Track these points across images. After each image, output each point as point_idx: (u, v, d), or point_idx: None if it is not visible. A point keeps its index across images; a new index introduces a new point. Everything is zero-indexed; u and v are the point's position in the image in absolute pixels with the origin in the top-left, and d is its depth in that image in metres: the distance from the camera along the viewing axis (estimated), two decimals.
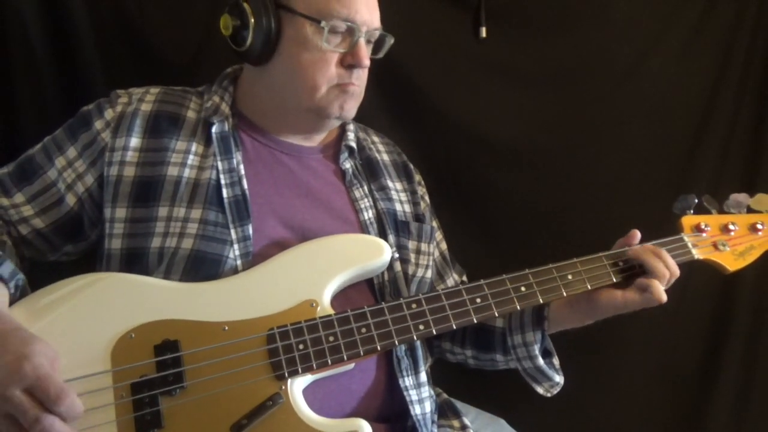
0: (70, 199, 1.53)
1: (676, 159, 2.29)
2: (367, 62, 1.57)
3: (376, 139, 1.85)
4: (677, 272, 1.56)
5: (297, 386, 1.34)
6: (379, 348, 1.39)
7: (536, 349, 1.63)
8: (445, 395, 1.76)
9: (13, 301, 1.34)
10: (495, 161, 2.26)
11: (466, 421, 1.67)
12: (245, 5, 1.54)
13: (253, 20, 1.53)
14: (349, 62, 1.55)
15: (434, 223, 1.85)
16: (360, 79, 1.59)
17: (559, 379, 1.66)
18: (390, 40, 1.66)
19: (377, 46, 1.65)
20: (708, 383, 2.29)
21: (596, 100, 2.27)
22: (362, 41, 1.56)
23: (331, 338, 1.37)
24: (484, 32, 2.21)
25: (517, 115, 2.26)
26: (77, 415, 1.18)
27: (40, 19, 1.93)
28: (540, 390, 1.67)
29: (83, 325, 1.32)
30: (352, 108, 1.61)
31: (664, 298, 1.53)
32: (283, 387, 1.32)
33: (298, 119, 1.63)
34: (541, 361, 1.63)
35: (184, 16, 2.05)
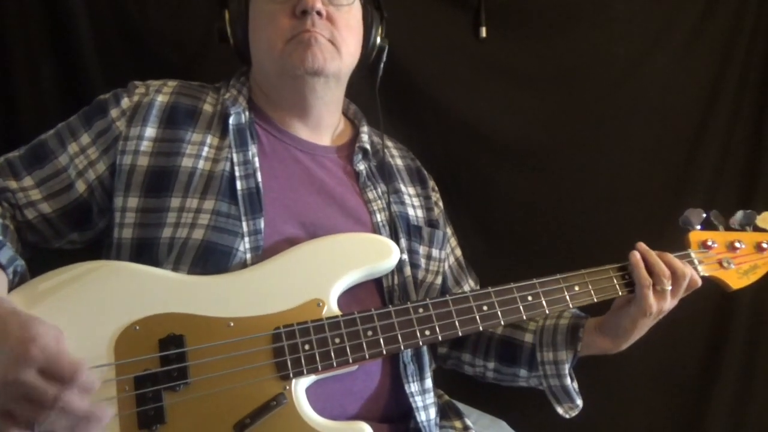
0: (80, 186, 1.52)
1: (676, 158, 2.29)
2: (313, 4, 1.50)
3: (389, 143, 1.84)
4: (664, 273, 1.55)
5: (301, 387, 1.34)
6: (384, 352, 1.39)
7: (566, 368, 1.63)
8: (446, 396, 1.75)
9: (12, 288, 1.32)
10: (495, 161, 2.26)
11: (468, 422, 1.67)
12: (224, 8, 1.62)
13: (228, 19, 1.61)
14: (299, 9, 1.52)
15: (448, 230, 1.85)
16: (320, 26, 1.53)
17: (580, 402, 1.66)
18: None
19: None
20: (708, 383, 2.29)
21: (596, 100, 2.27)
22: None
23: (337, 340, 1.36)
24: (484, 32, 2.21)
25: (517, 115, 2.26)
26: (94, 387, 1.17)
27: (40, 18, 1.94)
28: (560, 410, 1.67)
29: (86, 314, 1.31)
30: (316, 58, 1.53)
31: (650, 305, 1.54)
32: (287, 387, 1.32)
33: (284, 93, 1.63)
34: (569, 380, 1.64)
35: (184, 16, 2.05)
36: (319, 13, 1.52)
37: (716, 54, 2.29)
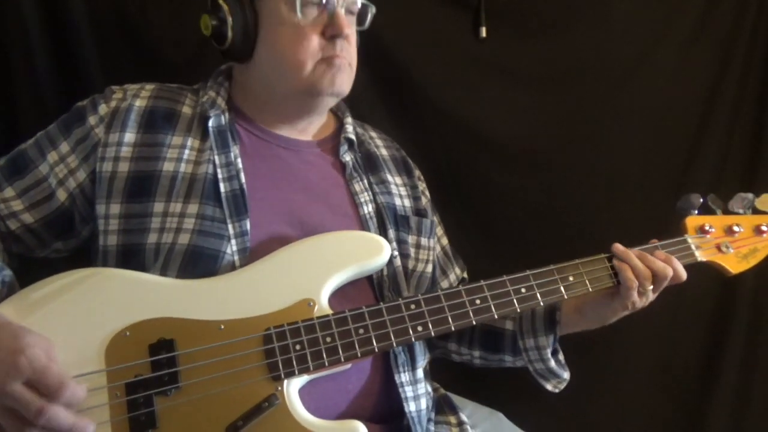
0: (61, 195, 1.51)
1: (676, 158, 2.29)
2: (346, 30, 1.53)
3: (373, 134, 1.84)
4: (645, 276, 1.54)
5: (293, 387, 1.34)
6: (376, 350, 1.39)
7: (549, 353, 1.64)
8: (442, 390, 1.76)
9: (1, 299, 1.33)
10: (495, 161, 2.26)
11: (463, 417, 1.67)
12: (221, 2, 1.56)
13: (230, 16, 1.55)
14: (330, 33, 1.52)
15: (435, 218, 1.85)
16: (346, 51, 1.56)
17: (566, 375, 1.67)
18: (372, 10, 1.64)
19: (361, 17, 1.63)
20: (708, 383, 2.30)
21: (596, 100, 2.27)
22: (340, 10, 1.53)
23: (329, 339, 1.36)
24: (484, 32, 2.21)
25: (517, 115, 2.26)
26: (80, 401, 1.18)
27: (39, 18, 1.93)
28: (548, 386, 1.68)
29: (76, 322, 1.31)
30: (343, 82, 1.57)
31: (633, 303, 1.55)
32: (279, 388, 1.32)
33: (292, 105, 1.62)
34: (553, 363, 1.65)
35: (184, 16, 2.04)
36: (345, 38, 1.55)
37: (716, 54, 2.29)
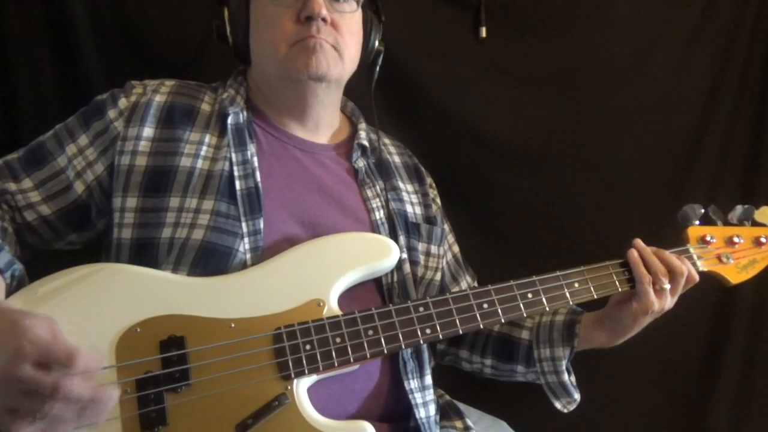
0: (79, 187, 1.51)
1: (676, 158, 2.30)
2: (319, 10, 1.51)
3: (387, 141, 1.84)
4: (661, 271, 1.56)
5: (302, 386, 1.34)
6: (385, 351, 1.39)
7: (563, 365, 1.64)
8: (447, 396, 1.75)
9: (10, 292, 1.32)
10: (495, 161, 2.26)
11: (469, 422, 1.66)
12: (220, 6, 1.61)
13: (228, 20, 1.61)
14: (304, 15, 1.52)
15: (446, 226, 1.85)
16: (326, 33, 1.54)
17: (577, 396, 1.67)
18: None
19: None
20: (708, 384, 2.30)
21: (596, 100, 2.27)
22: None
23: (338, 339, 1.36)
24: (484, 32, 2.22)
25: (517, 115, 2.26)
26: (98, 368, 1.15)
27: (39, 17, 1.94)
28: (558, 405, 1.67)
29: (86, 317, 1.30)
30: (321, 64, 1.54)
31: (651, 303, 1.54)
32: (289, 387, 1.32)
33: (284, 95, 1.62)
34: (566, 376, 1.64)
35: (184, 16, 2.05)
36: (324, 20, 1.53)
37: (716, 54, 2.30)
